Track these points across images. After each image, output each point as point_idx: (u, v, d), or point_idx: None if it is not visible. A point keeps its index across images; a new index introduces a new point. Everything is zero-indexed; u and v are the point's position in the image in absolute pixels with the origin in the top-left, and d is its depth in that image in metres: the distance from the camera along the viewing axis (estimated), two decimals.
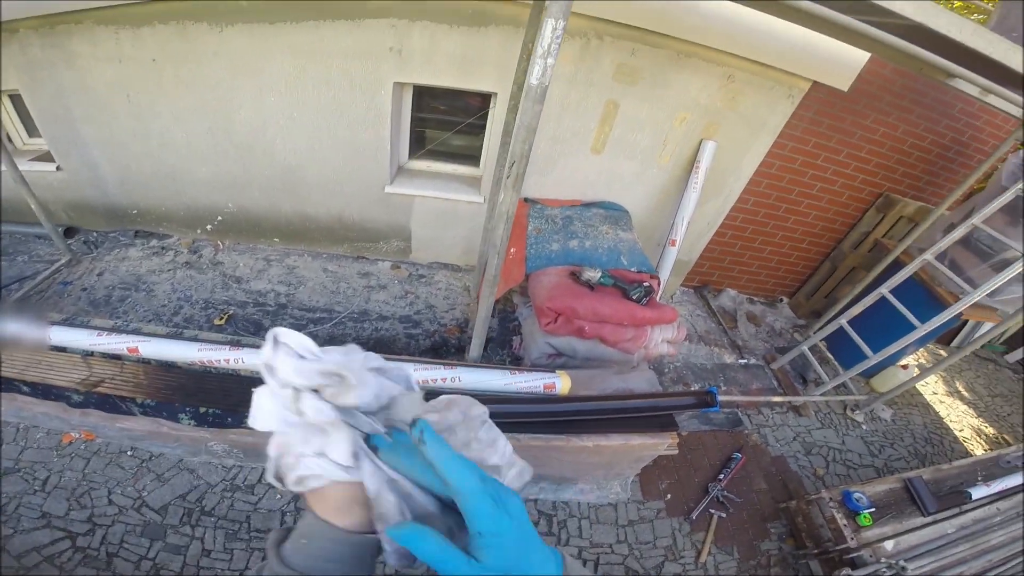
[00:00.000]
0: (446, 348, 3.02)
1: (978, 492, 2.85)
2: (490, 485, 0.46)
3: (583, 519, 2.59)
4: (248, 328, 2.95)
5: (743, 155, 3.16)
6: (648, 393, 2.12)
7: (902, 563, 2.35)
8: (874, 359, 3.19)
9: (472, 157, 3.38)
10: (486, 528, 0.44)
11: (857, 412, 3.80)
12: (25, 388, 1.95)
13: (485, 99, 3.02)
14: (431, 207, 3.29)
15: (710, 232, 3.65)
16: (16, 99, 3.32)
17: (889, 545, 2.51)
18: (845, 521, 2.56)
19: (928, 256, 2.99)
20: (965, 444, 4.04)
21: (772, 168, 3.47)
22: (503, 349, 3.05)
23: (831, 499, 2.63)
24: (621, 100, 2.82)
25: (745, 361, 3.88)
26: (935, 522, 2.71)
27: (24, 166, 3.17)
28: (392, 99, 2.85)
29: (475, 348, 2.22)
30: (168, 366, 1.98)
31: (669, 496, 2.81)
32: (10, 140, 3.55)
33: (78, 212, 3.62)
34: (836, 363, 3.72)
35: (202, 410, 1.86)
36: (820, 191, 3.76)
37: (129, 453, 2.52)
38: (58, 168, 3.36)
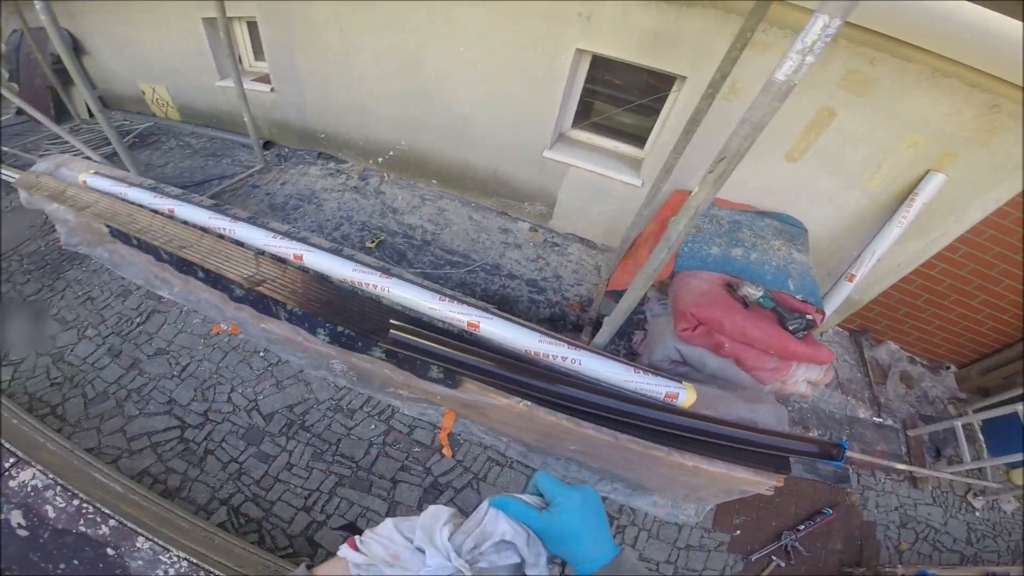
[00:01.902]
0: (564, 322, 3.00)
1: None
2: (567, 485, 0.68)
3: (643, 530, 2.52)
4: (393, 256, 3.18)
5: (976, 197, 2.58)
6: (772, 431, 1.92)
7: None
8: None
9: (638, 138, 3.22)
10: (555, 493, 0.66)
11: (979, 498, 3.31)
12: (200, 273, 2.23)
13: (667, 81, 2.82)
14: (583, 179, 3.22)
15: (898, 275, 3.12)
16: (252, 26, 3.83)
17: None
18: None
19: None
20: None
21: (1007, 219, 2.82)
22: (620, 339, 2.95)
23: (904, 575, 2.43)
24: (840, 109, 2.46)
25: (880, 420, 3.40)
26: None
27: (247, 85, 3.70)
28: (570, 65, 2.78)
29: (603, 335, 2.14)
30: (322, 279, 2.12)
31: (738, 532, 2.64)
32: (240, 61, 4.12)
33: (278, 129, 4.17)
34: (984, 446, 3.32)
35: (339, 328, 1.95)
36: None
37: (261, 354, 2.80)
38: (272, 90, 3.91)
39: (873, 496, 3.09)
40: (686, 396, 1.86)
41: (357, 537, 0.65)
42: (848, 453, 3.06)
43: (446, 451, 2.56)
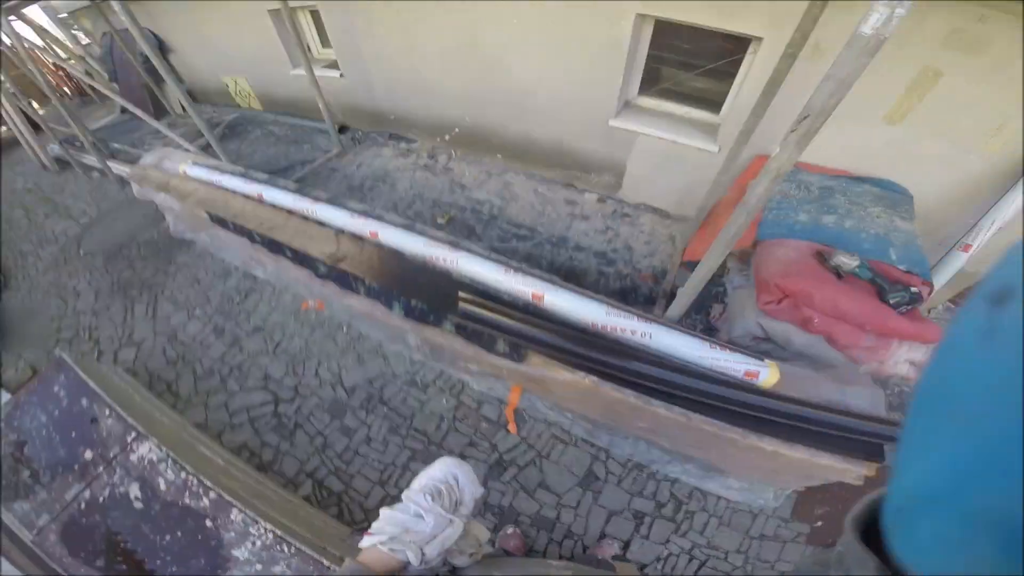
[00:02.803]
0: (635, 295, 2.90)
1: None
2: None
3: (713, 516, 2.38)
4: (463, 231, 3.24)
5: None
6: (865, 415, 1.73)
7: None
8: None
9: (712, 102, 3.00)
10: None
11: None
12: (288, 252, 2.39)
13: (740, 43, 2.60)
14: (653, 147, 3.06)
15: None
16: (315, 15, 4.00)
17: None
18: None
19: None
20: None
21: None
22: (697, 313, 2.79)
23: None
24: (946, 69, 2.15)
25: None
26: None
27: (317, 72, 3.89)
28: (632, 30, 2.63)
29: (677, 307, 2.04)
30: (396, 254, 2.21)
31: (819, 524, 2.40)
32: (309, 50, 4.33)
33: (351, 113, 4.36)
34: None
35: (412, 303, 2.02)
36: None
37: (345, 329, 2.92)
38: (341, 75, 4.09)
39: None
40: (768, 375, 1.72)
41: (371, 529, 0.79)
42: None
43: (511, 427, 2.57)
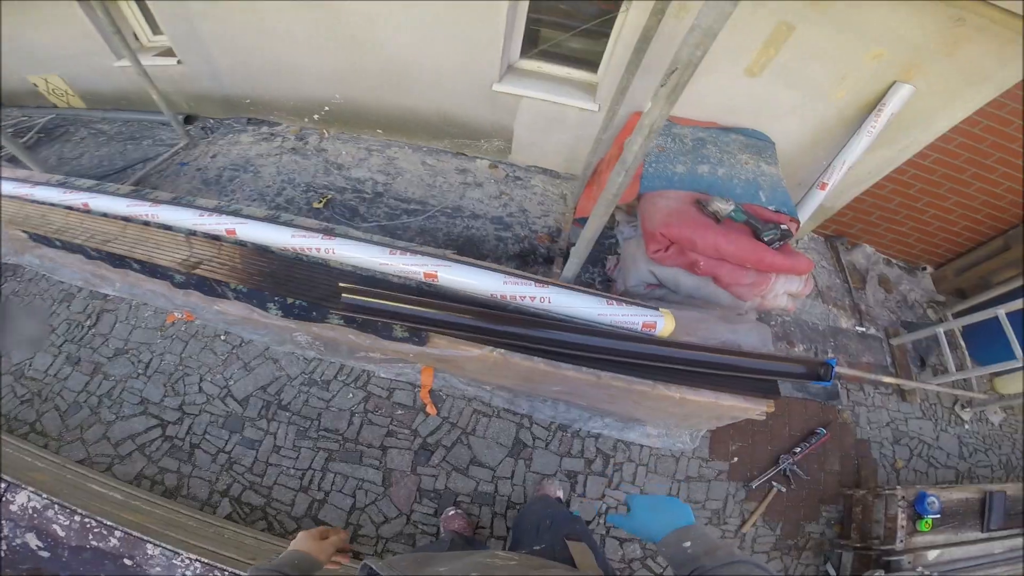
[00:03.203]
0: (534, 256, 2.91)
1: None
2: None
3: (640, 466, 2.53)
4: (344, 213, 2.99)
5: (943, 107, 2.50)
6: (757, 353, 1.85)
7: (926, 573, 2.30)
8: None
9: (590, 62, 3.02)
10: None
11: (966, 410, 3.37)
12: (135, 265, 2.05)
13: (613, 1, 2.62)
14: (538, 109, 3.02)
15: (869, 182, 3.06)
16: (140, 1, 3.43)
17: (932, 555, 2.42)
18: (904, 522, 2.42)
19: None
20: None
21: (976, 127, 2.79)
22: (594, 267, 2.86)
23: (903, 497, 2.46)
24: (799, 24, 2.29)
25: (863, 330, 3.42)
26: (988, 539, 2.56)
27: (147, 61, 3.36)
28: None
29: (571, 267, 2.03)
30: (262, 251, 1.96)
31: (736, 459, 2.65)
32: (136, 38, 3.72)
33: (197, 101, 3.79)
34: (967, 354, 3.28)
35: (289, 301, 1.83)
36: None
37: (223, 337, 2.66)
38: (179, 62, 3.52)
39: (864, 412, 3.11)
40: (664, 324, 1.77)
41: None
42: (836, 369, 3.08)
43: (430, 409, 2.49)
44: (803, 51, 2.39)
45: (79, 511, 1.53)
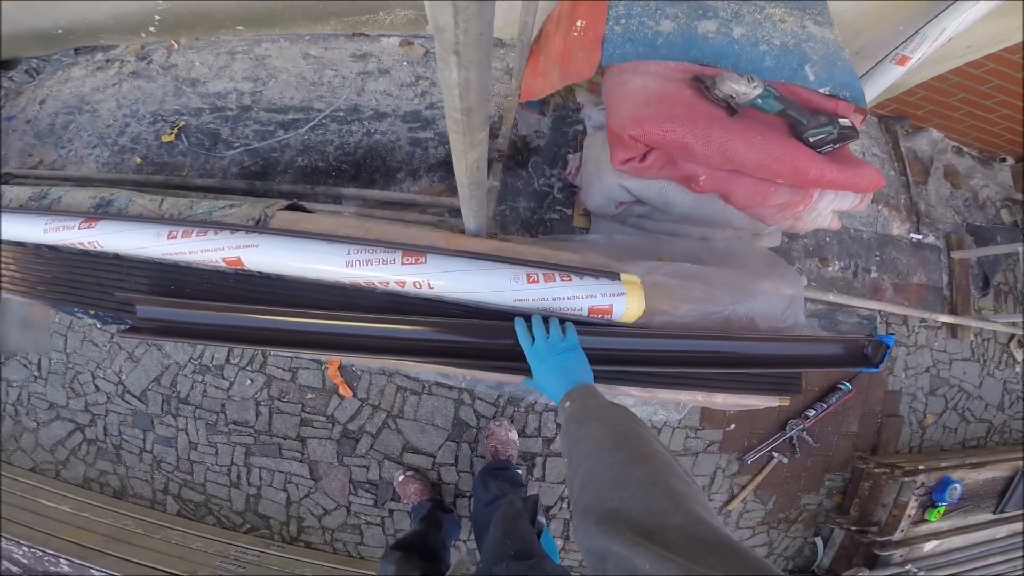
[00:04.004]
0: None
1: None
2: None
3: None
4: (203, 142, 2.16)
5: None
6: (777, 337, 1.17)
7: (914, 570, 2.17)
8: None
9: None
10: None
11: (1021, 349, 2.78)
12: None
13: None
14: None
15: (965, 59, 2.11)
16: None
17: (928, 547, 2.25)
18: (914, 512, 2.15)
19: None
20: None
21: None
22: (551, 170, 2.03)
23: (923, 484, 2.13)
24: None
25: (919, 237, 2.65)
26: (996, 523, 2.40)
27: None
28: None
29: (471, 220, 1.17)
30: (39, 248, 1.28)
31: (732, 427, 2.18)
32: None
33: (8, 44, 2.64)
34: None
35: (91, 311, 1.33)
36: None
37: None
38: None
39: (902, 355, 2.51)
40: (626, 306, 1.01)
41: None
42: (874, 302, 2.36)
43: (343, 391, 2.02)
44: None
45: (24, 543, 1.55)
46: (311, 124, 2.10)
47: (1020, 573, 2.39)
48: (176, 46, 2.46)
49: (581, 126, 2.09)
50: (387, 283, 1.01)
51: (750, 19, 1.39)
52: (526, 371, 0.93)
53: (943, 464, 2.18)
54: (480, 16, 0.41)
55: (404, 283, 0.99)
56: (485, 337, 1.03)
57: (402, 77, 2.24)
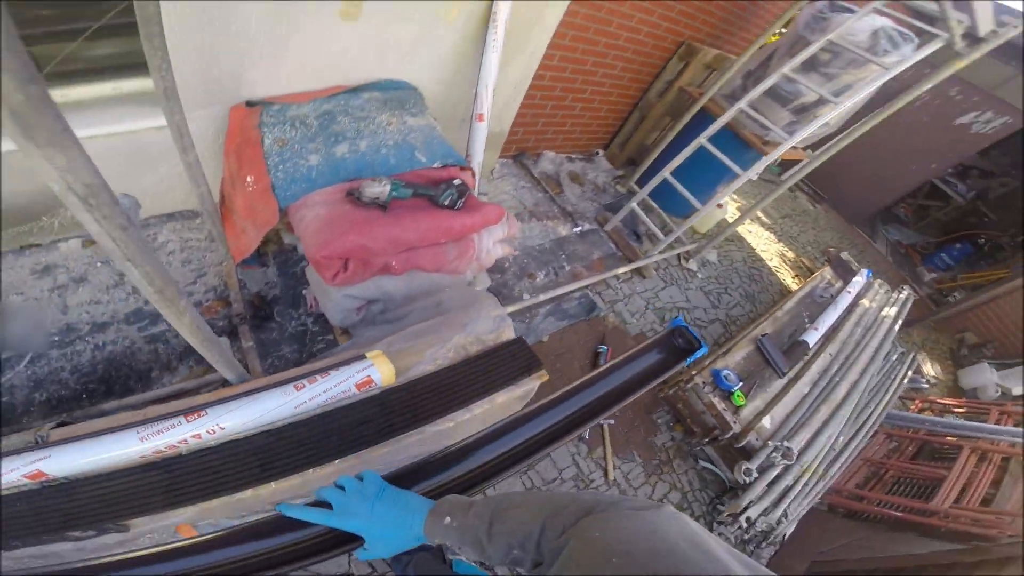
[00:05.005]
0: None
1: (811, 338, 3.11)
2: (334, 497, 0.83)
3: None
4: None
5: (547, 3, 2.51)
6: (606, 369, 1.66)
7: (786, 444, 2.40)
8: (703, 209, 3.26)
9: (138, 65, 2.07)
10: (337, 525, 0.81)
11: (691, 261, 3.94)
12: None
13: None
14: (101, 150, 2.01)
15: (519, 96, 3.04)
16: None
17: (768, 423, 2.55)
18: (723, 405, 2.52)
19: (743, 105, 3.03)
20: (778, 274, 4.56)
21: (577, 18, 3.04)
22: (296, 310, 2.20)
23: (704, 383, 2.57)
24: None
25: (580, 228, 3.64)
26: (790, 382, 2.85)
27: None
28: None
29: (227, 372, 1.35)
30: None
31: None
32: None
33: None
34: (663, 213, 3.66)
35: None
36: (625, 41, 3.49)
37: None
38: None
39: (623, 308, 3.29)
40: (381, 373, 1.30)
41: None
42: (579, 283, 3.10)
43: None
44: None
45: None
46: (26, 360, 1.80)
47: None
48: None
49: (303, 264, 2.30)
50: (185, 441, 1.08)
51: (367, 131, 1.88)
52: (351, 541, 0.97)
53: (706, 363, 2.67)
54: (131, 236, 0.63)
55: (199, 435, 1.08)
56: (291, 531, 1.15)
57: (103, 279, 2.09)
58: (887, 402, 3.32)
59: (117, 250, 0.65)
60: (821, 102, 2.98)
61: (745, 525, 2.30)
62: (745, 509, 2.29)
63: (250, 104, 1.89)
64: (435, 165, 1.85)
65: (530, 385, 1.62)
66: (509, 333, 1.64)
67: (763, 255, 4.73)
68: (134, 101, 2.08)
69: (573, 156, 4.35)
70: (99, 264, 2.15)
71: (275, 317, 2.16)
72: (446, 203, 1.71)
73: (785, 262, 4.87)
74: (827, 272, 4.13)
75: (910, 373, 3.66)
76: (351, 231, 1.49)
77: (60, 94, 2.02)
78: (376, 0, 2.02)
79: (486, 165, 3.46)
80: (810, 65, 2.97)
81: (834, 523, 2.84)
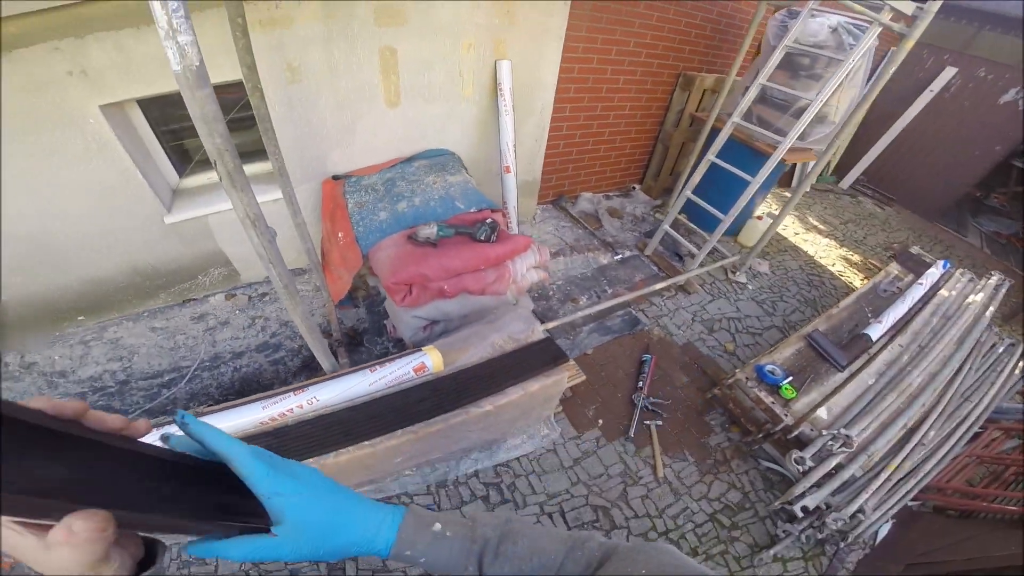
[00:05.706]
0: (316, 360, 2.70)
1: (874, 331, 2.98)
2: (264, 453, 0.51)
3: (530, 475, 2.41)
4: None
5: (540, 66, 3.05)
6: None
7: (844, 432, 2.26)
8: (727, 220, 3.33)
9: (258, 152, 2.83)
10: (266, 489, 0.49)
11: (738, 273, 3.94)
12: None
13: (240, 87, 2.49)
14: (233, 220, 2.73)
15: (541, 148, 3.54)
16: None
17: (824, 413, 2.46)
18: (771, 399, 2.47)
19: (736, 119, 3.20)
20: (842, 278, 4.41)
21: (573, 72, 3.46)
22: (380, 337, 2.78)
23: (748, 379, 2.55)
24: (396, 44, 2.48)
25: (620, 256, 3.91)
26: (852, 375, 2.71)
27: None
28: (111, 124, 2.21)
29: (323, 360, 1.91)
30: None
31: (601, 421, 2.65)
32: None
33: None
34: (701, 232, 3.71)
35: None
36: (625, 83, 3.87)
37: None
38: None
39: (668, 321, 3.40)
40: (431, 360, 1.78)
41: None
42: (618, 299, 3.36)
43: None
44: (416, 66, 2.61)
45: None
46: (187, 378, 2.53)
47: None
48: (26, 346, 2.65)
49: (384, 300, 2.85)
50: (291, 410, 1.60)
51: (419, 190, 2.46)
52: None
53: (752, 361, 2.66)
54: (272, 246, 1.10)
55: (302, 405, 1.60)
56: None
57: (241, 322, 2.85)
58: (995, 395, 3.05)
59: (265, 255, 1.14)
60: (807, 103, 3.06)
61: (801, 515, 2.26)
62: (799, 498, 2.26)
63: (335, 178, 2.61)
64: (472, 210, 2.35)
65: (559, 375, 1.94)
66: (539, 333, 2.00)
67: (823, 261, 4.63)
68: (255, 181, 2.81)
69: (610, 194, 4.72)
70: (237, 312, 2.90)
71: (364, 343, 2.77)
72: (482, 237, 2.16)
73: (851, 265, 4.71)
74: (893, 268, 3.97)
75: (1021, 364, 3.33)
76: (411, 263, 1.99)
77: (207, 178, 2.83)
78: (409, 89, 2.66)
79: (526, 211, 3.96)
80: (795, 71, 3.16)
81: (938, 523, 2.53)
